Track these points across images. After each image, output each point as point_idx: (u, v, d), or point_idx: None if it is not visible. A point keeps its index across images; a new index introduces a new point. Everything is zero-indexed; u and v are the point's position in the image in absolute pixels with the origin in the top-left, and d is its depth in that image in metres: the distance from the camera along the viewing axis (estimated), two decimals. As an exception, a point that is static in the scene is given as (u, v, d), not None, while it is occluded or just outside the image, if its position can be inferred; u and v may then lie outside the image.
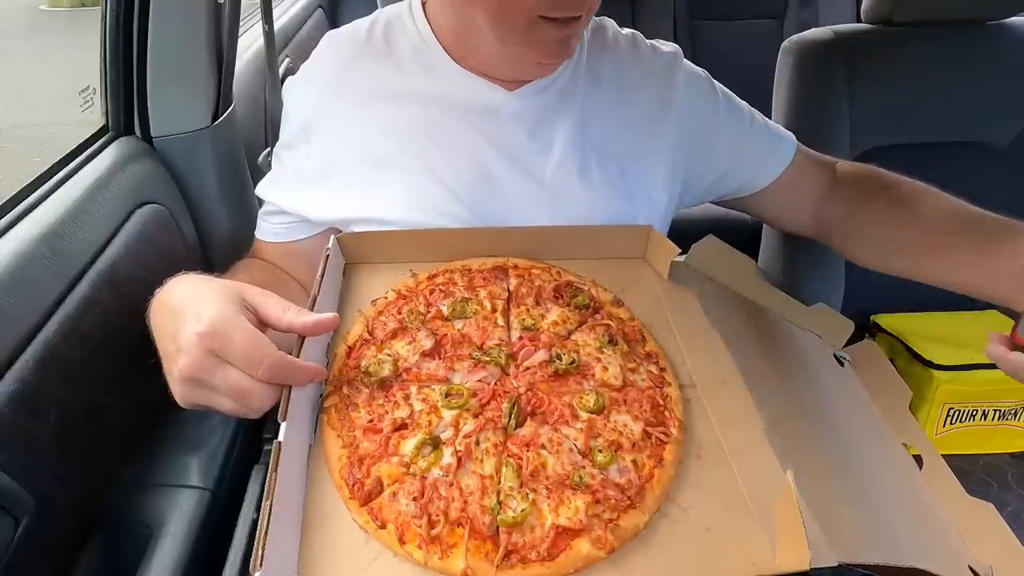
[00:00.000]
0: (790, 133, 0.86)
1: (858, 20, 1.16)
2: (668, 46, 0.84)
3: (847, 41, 1.10)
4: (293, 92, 0.81)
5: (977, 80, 1.10)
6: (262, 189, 0.83)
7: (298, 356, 0.53)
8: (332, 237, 0.69)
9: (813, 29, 1.14)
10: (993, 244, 0.71)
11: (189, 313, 0.51)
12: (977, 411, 0.85)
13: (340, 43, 0.81)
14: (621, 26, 0.87)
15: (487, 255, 0.71)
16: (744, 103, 0.86)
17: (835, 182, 0.86)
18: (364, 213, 0.75)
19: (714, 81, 0.85)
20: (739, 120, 0.85)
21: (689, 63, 0.84)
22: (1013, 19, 1.12)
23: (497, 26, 0.70)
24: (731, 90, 0.93)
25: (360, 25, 0.81)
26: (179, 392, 0.52)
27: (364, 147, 0.76)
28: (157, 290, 0.58)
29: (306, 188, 0.78)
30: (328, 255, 0.65)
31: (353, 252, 0.72)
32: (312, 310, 0.57)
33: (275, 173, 0.83)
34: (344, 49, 0.80)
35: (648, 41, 0.85)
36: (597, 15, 0.86)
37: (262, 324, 0.53)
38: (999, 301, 0.70)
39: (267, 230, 0.84)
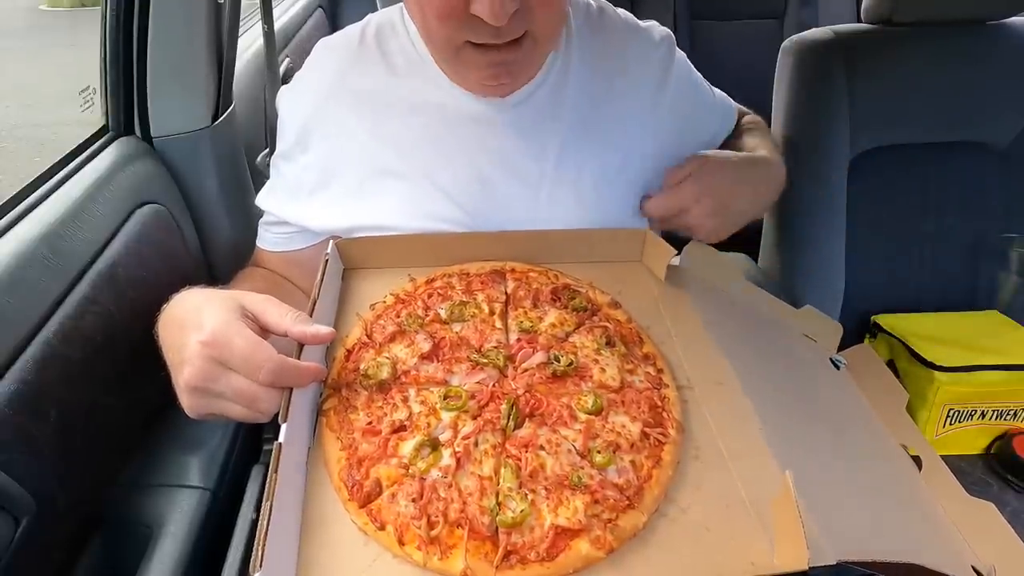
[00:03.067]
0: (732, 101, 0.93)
1: (858, 20, 1.16)
2: (661, 30, 0.83)
3: (847, 41, 1.10)
4: (288, 101, 0.80)
5: (977, 80, 1.09)
6: (262, 199, 0.83)
7: (298, 359, 0.53)
8: (331, 242, 0.69)
9: (813, 29, 1.13)
10: None
11: (191, 324, 0.52)
12: (976, 411, 0.85)
13: (333, 52, 0.80)
14: None
15: (484, 259, 0.71)
16: (700, 75, 0.89)
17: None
18: (365, 221, 0.75)
19: (687, 59, 0.86)
20: (706, 97, 0.89)
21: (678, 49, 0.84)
22: (1013, 19, 1.11)
23: (431, 49, 0.73)
24: (731, 90, 0.93)
25: (351, 33, 0.80)
26: (187, 403, 0.53)
27: (363, 157, 0.76)
28: (164, 305, 0.59)
29: (305, 199, 0.78)
30: (327, 260, 0.65)
31: (352, 257, 0.72)
32: (311, 315, 0.57)
33: (273, 183, 0.83)
34: (337, 57, 0.79)
35: (643, 25, 0.83)
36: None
37: (263, 331, 0.54)
38: None
39: (268, 239, 0.84)
